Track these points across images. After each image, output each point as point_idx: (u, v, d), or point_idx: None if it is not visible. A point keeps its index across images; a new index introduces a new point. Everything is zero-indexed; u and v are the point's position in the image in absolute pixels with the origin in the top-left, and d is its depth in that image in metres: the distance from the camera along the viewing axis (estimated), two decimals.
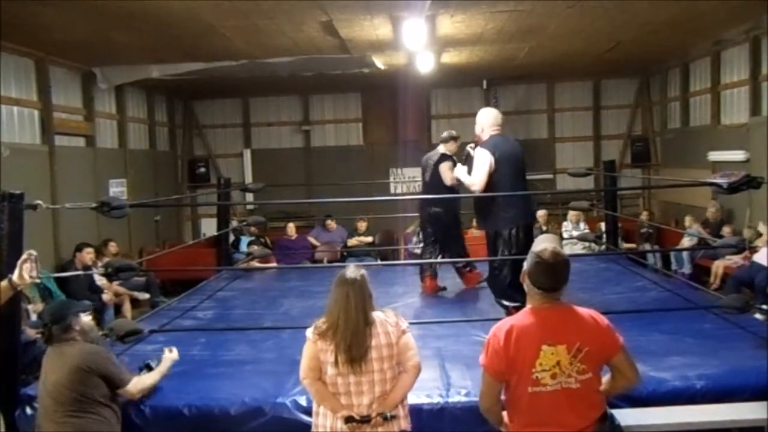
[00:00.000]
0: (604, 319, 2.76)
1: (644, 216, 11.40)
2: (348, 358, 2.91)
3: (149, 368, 3.77)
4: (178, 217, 13.50)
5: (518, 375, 2.65)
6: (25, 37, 7.65)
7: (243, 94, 13.60)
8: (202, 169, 13.64)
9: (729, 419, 3.26)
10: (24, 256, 3.29)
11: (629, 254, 8.20)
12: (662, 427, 3.22)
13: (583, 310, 2.76)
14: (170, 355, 3.89)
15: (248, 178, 12.97)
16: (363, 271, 3.05)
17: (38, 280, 3.63)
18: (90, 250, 8.23)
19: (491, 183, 4.81)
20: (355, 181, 11.79)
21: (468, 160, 5.19)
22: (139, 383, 3.58)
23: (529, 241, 4.50)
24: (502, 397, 2.80)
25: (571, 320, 2.70)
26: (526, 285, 2.75)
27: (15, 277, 3.27)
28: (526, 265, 2.75)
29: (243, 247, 10.48)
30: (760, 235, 8.19)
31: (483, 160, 4.81)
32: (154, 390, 3.69)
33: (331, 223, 11.39)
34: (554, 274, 2.67)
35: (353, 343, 2.91)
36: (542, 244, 2.75)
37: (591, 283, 6.33)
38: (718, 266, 8.90)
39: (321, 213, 11.90)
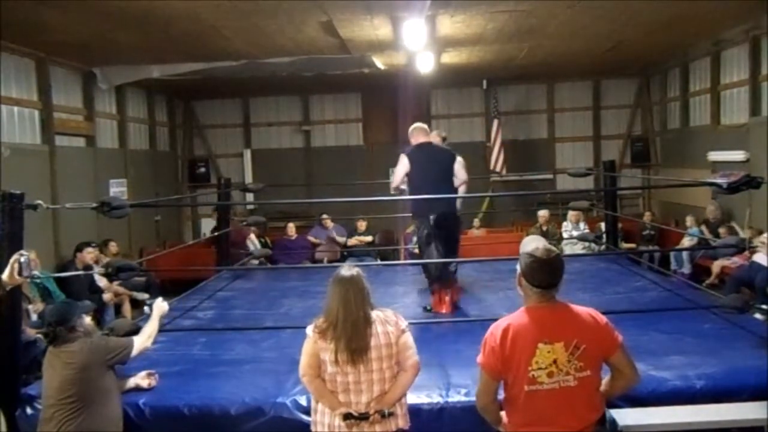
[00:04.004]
0: (602, 317, 2.76)
1: (647, 217, 11.37)
2: (348, 355, 2.91)
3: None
4: (178, 217, 13.51)
5: (515, 373, 2.66)
6: (26, 37, 7.66)
7: (243, 94, 13.60)
8: (202, 169, 13.67)
9: (729, 419, 3.26)
10: (15, 256, 3.32)
11: (629, 254, 8.19)
12: (662, 427, 3.22)
13: (581, 308, 2.76)
14: (162, 305, 4.03)
15: (248, 178, 12.98)
16: (358, 269, 3.08)
17: (28, 280, 3.67)
18: (91, 249, 8.21)
19: (408, 182, 5.61)
20: (355, 181, 11.79)
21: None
22: (142, 336, 3.75)
23: (437, 230, 5.38)
24: (501, 396, 2.80)
25: (568, 318, 2.70)
26: (522, 286, 2.75)
27: (5, 276, 3.30)
28: (519, 267, 2.75)
29: None
30: (760, 232, 8.17)
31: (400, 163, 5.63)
32: (154, 390, 3.72)
33: (327, 220, 11.33)
34: (550, 269, 2.68)
35: (353, 338, 2.91)
36: (532, 243, 2.76)
37: (591, 283, 6.32)
38: (717, 266, 8.91)
39: (320, 213, 11.89)
